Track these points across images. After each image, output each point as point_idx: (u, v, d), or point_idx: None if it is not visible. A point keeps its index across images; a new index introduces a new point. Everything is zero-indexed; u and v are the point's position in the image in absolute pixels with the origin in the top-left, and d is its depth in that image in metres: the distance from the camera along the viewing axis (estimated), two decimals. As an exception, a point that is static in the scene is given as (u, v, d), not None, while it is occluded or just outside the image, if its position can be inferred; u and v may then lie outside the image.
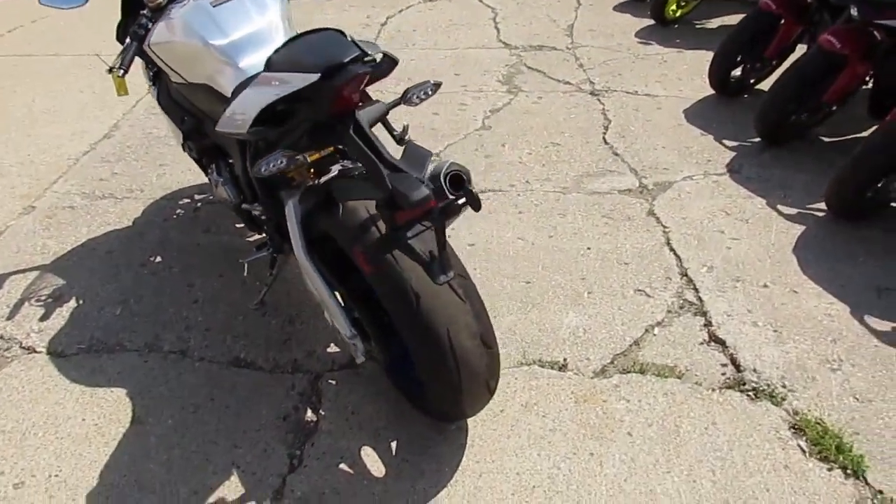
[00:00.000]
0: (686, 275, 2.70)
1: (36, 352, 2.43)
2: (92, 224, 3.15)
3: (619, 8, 6.00)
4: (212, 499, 1.89)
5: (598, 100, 4.26)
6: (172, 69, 2.23)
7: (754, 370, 2.25)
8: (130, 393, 2.24)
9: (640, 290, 2.62)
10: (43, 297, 2.68)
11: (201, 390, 2.24)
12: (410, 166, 1.56)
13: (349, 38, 1.64)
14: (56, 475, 1.97)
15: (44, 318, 2.58)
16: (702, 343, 2.37)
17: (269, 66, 1.67)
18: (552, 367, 2.29)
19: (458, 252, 2.81)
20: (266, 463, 1.98)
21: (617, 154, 3.62)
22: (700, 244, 2.87)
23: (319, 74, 1.54)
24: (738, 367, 2.27)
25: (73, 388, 2.27)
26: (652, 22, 5.50)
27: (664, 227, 3.00)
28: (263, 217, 2.20)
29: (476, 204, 1.55)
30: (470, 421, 2.08)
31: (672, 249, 2.85)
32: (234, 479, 1.94)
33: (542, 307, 2.55)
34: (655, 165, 3.49)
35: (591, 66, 4.78)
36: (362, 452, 2.01)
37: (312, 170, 2.05)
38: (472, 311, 1.70)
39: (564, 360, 2.31)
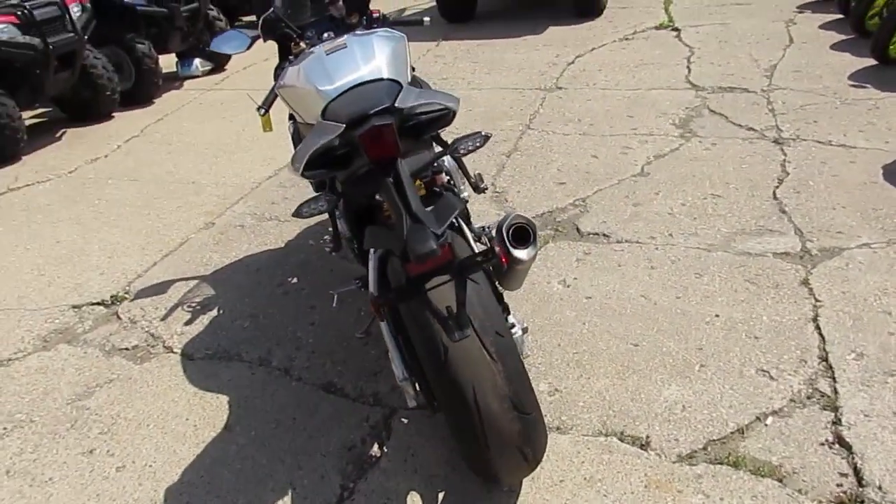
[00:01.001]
0: (826, 360, 2.32)
1: (173, 352, 2.75)
2: (253, 243, 3.50)
3: (837, 46, 5.36)
4: (264, 514, 1.99)
5: (781, 149, 3.84)
6: (294, 110, 2.42)
7: (880, 488, 1.86)
8: (231, 401, 2.45)
9: (763, 371, 2.30)
10: (193, 304, 3.03)
11: (287, 409, 2.37)
12: (436, 218, 1.54)
13: (400, 88, 1.67)
14: (150, 465, 2.21)
15: (188, 322, 2.92)
16: (822, 444, 2.02)
17: (324, 114, 1.75)
18: (632, 443, 2.09)
19: (572, 304, 2.71)
20: (319, 489, 2.05)
21: (784, 211, 3.22)
22: (855, 325, 2.45)
23: (345, 125, 1.59)
24: (860, 480, 1.89)
25: (189, 388, 2.53)
26: (872, 62, 4.84)
27: (816, 300, 2.61)
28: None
29: (510, 261, 1.48)
30: (525, 484, 1.98)
31: (818, 328, 2.47)
32: (287, 499, 2.03)
33: (642, 374, 2.35)
34: (828, 228, 3.05)
35: (784, 110, 4.32)
36: (409, 496, 2.00)
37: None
38: (502, 372, 1.62)
39: (648, 437, 2.10)
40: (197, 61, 6.67)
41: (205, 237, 3.61)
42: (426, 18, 2.76)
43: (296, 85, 2.27)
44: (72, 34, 4.98)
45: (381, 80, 1.76)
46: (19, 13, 4.68)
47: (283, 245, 3.45)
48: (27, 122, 5.84)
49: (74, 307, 3.12)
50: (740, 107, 4.46)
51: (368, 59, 2.20)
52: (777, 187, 3.45)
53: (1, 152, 4.79)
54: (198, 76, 6.76)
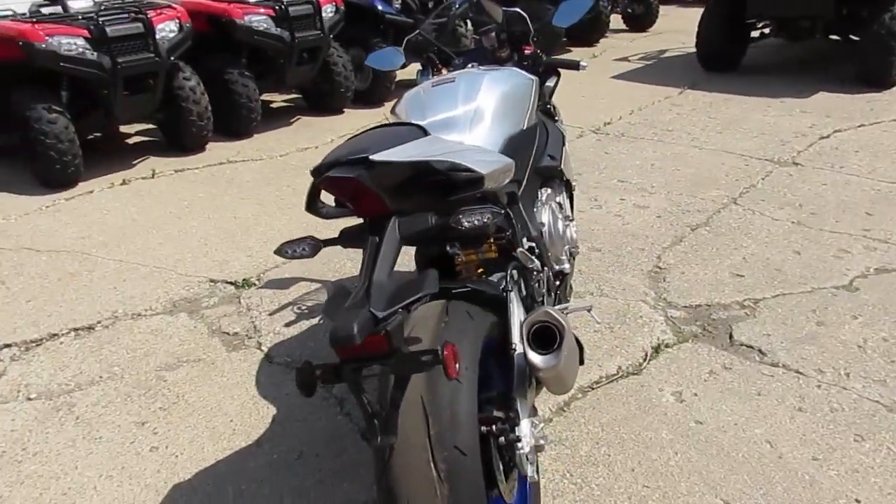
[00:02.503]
0: None
1: (261, 349, 2.79)
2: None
3: None
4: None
5: None
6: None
7: None
8: (276, 416, 2.40)
9: None
10: (303, 308, 3.06)
11: (318, 442, 2.26)
12: (391, 297, 1.28)
13: (420, 135, 1.43)
14: (176, 456, 2.23)
15: (289, 324, 2.95)
16: None
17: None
18: None
19: (675, 425, 2.24)
20: (295, 543, 1.90)
21: None
22: None
23: (317, 168, 1.39)
24: None
25: (250, 390, 2.53)
26: None
27: None
28: None
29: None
30: None
31: None
32: (261, 541, 1.91)
33: (715, 544, 1.83)
34: None
35: None
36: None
37: (480, 269, 1.87)
38: (447, 498, 1.31)
39: None
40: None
41: (351, 243, 3.64)
42: (583, 63, 2.46)
43: (397, 112, 2.14)
44: (318, 32, 5.39)
45: (402, 125, 1.54)
46: (277, 8, 5.17)
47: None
48: (276, 105, 6.51)
49: (211, 281, 3.33)
50: None
51: (469, 98, 2.00)
52: None
53: (237, 128, 5.35)
54: (435, 87, 6.97)
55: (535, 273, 1.94)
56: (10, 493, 2.11)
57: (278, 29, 5.21)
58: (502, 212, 1.48)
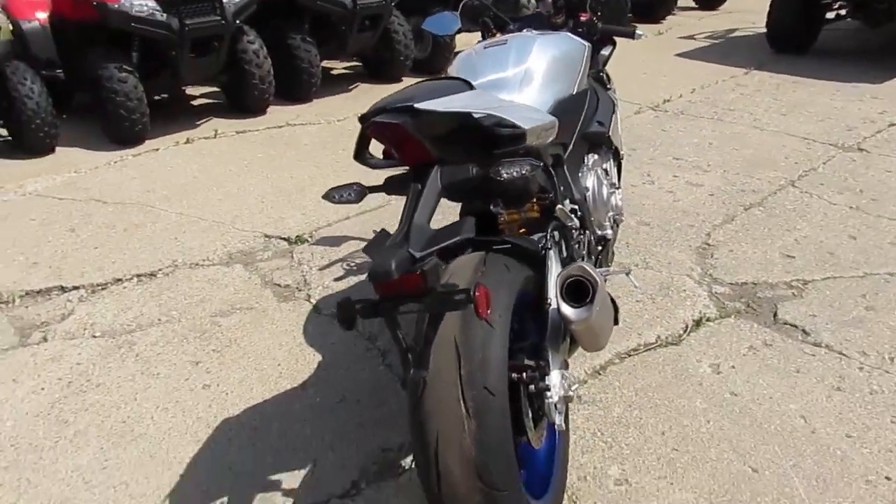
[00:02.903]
0: None
1: (310, 301, 2.90)
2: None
3: None
4: (277, 474, 2.01)
5: None
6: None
7: None
8: (322, 363, 2.51)
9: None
10: (351, 264, 3.16)
11: (361, 390, 2.35)
12: (429, 240, 1.34)
13: (466, 90, 1.48)
14: (226, 394, 2.36)
15: (338, 279, 3.06)
16: None
17: None
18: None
19: (710, 395, 2.28)
20: (331, 477, 2.00)
21: None
22: None
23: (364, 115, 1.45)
24: None
25: (298, 338, 2.65)
26: None
27: None
28: None
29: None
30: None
31: None
32: (300, 473, 2.02)
33: (740, 509, 1.86)
34: None
35: None
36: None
37: (522, 229, 1.93)
38: (475, 434, 1.38)
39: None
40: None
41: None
42: (639, 32, 2.45)
43: (449, 73, 2.18)
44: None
45: (456, 80, 1.58)
46: (340, -24, 5.25)
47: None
48: (336, 72, 6.62)
49: (266, 236, 3.46)
50: None
51: (520, 60, 2.03)
52: None
53: (297, 92, 5.48)
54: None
55: (575, 234, 1.98)
56: (76, 419, 2.28)
57: (340, -6, 5.30)
58: (540, 165, 1.51)
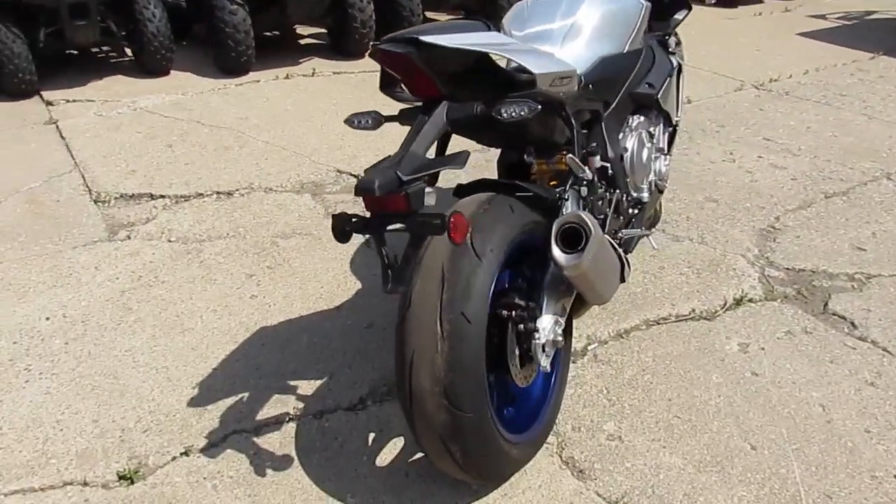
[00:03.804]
0: None
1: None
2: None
3: None
4: (296, 380, 2.19)
5: None
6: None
7: None
8: (360, 291, 2.66)
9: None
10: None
11: (389, 319, 2.49)
12: (421, 165, 1.43)
13: (484, 30, 1.53)
14: (272, 305, 2.57)
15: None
16: None
17: None
18: (635, 533, 1.72)
19: (729, 371, 2.36)
20: (344, 391, 2.16)
21: None
22: None
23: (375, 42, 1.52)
24: None
25: (345, 266, 2.82)
26: None
27: None
28: None
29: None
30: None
31: None
32: (316, 384, 2.19)
33: (725, 480, 1.86)
34: None
35: None
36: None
37: (553, 181, 1.98)
38: (446, 355, 1.47)
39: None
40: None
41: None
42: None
43: (502, 23, 2.22)
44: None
45: (477, 21, 1.61)
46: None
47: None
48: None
49: (338, 171, 3.64)
50: None
51: (568, 13, 2.05)
52: None
53: (352, 49, 5.49)
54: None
55: (600, 190, 1.99)
56: (138, 308, 2.55)
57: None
58: (538, 107, 1.55)
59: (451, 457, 1.56)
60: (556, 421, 2.01)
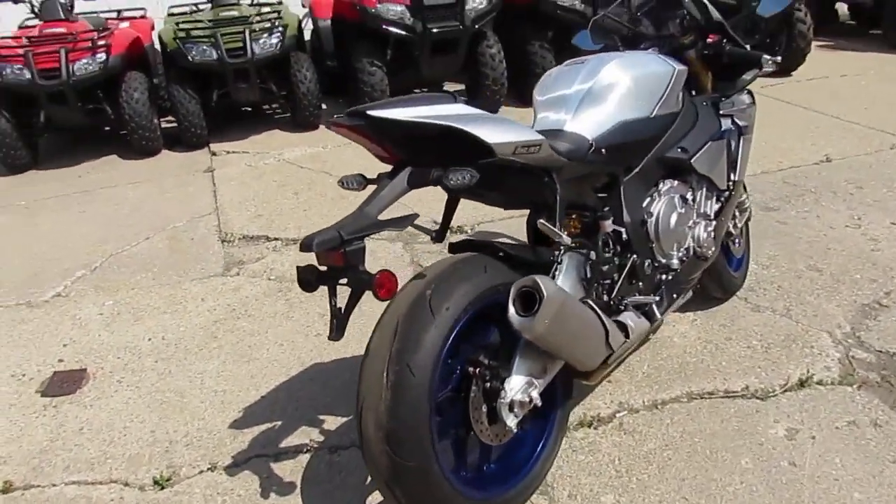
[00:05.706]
0: None
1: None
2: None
3: None
4: (325, 414, 2.37)
5: None
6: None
7: None
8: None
9: None
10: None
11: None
12: (367, 226, 1.55)
13: (450, 101, 1.62)
14: (329, 346, 2.79)
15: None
16: None
17: None
18: None
19: (765, 462, 2.08)
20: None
21: None
22: None
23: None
24: None
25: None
26: None
27: None
28: None
29: None
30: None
31: None
32: (343, 420, 2.35)
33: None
34: None
35: None
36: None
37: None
38: (388, 404, 1.54)
39: None
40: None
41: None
42: (767, 58, 2.28)
43: (534, 90, 2.29)
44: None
45: (446, 95, 1.69)
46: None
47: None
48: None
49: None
50: None
51: (587, 79, 2.09)
52: None
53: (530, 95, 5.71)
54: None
55: (607, 254, 1.98)
56: (222, 336, 2.90)
57: (583, 5, 5.43)
58: (479, 176, 1.59)
59: (397, 501, 1.64)
60: (554, 485, 2.00)
